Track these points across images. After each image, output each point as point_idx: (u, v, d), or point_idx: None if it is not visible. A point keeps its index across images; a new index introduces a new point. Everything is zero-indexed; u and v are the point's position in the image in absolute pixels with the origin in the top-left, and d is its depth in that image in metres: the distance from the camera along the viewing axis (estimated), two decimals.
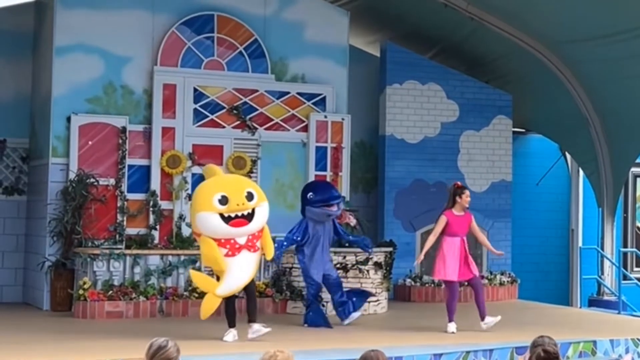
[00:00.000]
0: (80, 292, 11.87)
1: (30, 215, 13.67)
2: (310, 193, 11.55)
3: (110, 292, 11.96)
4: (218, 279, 10.16)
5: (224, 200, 9.96)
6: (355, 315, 11.58)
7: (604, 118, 15.83)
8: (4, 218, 13.73)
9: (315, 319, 11.45)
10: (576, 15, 13.65)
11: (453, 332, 11.02)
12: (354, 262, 12.74)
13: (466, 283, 11.82)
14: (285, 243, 11.48)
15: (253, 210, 10.11)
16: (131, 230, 12.87)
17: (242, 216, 10.02)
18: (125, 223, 12.82)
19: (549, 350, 5.87)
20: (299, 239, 11.47)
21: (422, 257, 11.37)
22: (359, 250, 12.58)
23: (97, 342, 9.83)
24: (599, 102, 15.64)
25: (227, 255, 9.98)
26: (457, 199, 11.23)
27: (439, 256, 11.19)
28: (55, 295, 12.45)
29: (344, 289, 11.79)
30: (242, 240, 10.06)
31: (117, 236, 12.71)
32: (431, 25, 16.08)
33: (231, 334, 10.13)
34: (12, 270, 13.70)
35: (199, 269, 11.52)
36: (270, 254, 10.57)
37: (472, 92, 15.75)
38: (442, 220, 11.17)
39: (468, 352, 9.62)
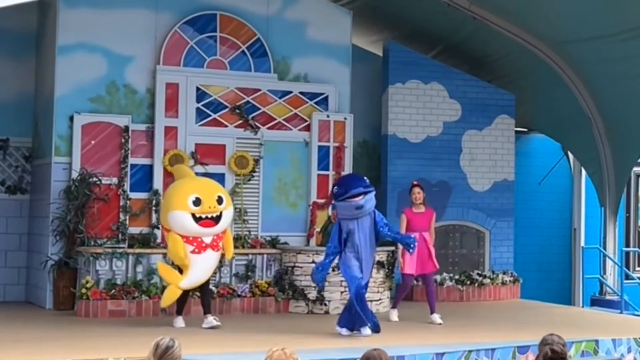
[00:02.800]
0: (83, 291, 11.89)
1: (33, 214, 13.68)
2: (335, 187, 11.02)
3: (113, 291, 11.98)
4: (180, 271, 11.04)
5: (197, 202, 10.91)
6: (362, 332, 10.64)
7: (606, 117, 15.83)
8: (7, 217, 13.74)
9: (350, 321, 10.61)
10: (579, 15, 13.65)
11: (396, 320, 11.86)
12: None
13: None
14: (327, 261, 10.74)
15: (221, 213, 11.02)
16: (134, 229, 12.88)
17: (211, 218, 10.95)
18: (127, 222, 12.83)
19: (557, 350, 5.88)
20: (337, 248, 10.74)
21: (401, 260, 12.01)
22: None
23: (99, 340, 9.84)
24: (602, 102, 15.64)
25: (193, 252, 10.92)
26: (410, 196, 12.22)
27: (401, 251, 11.95)
28: (58, 294, 12.46)
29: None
30: (207, 240, 10.98)
31: (120, 235, 12.72)
32: (434, 25, 16.08)
33: (180, 321, 11.13)
34: (15, 269, 13.72)
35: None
36: (230, 253, 11.46)
37: (475, 92, 15.75)
38: (403, 219, 12.13)
39: (470, 351, 9.62)
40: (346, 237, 10.73)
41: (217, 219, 10.99)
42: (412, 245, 11.28)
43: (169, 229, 11.10)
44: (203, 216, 10.89)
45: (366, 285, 10.89)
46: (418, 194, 12.21)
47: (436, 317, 11.88)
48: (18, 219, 13.79)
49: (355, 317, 10.56)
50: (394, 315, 12.06)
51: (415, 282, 14.66)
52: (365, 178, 11.16)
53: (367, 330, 10.56)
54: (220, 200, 11.08)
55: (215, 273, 12.57)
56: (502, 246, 15.71)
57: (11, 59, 13.78)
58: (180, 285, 10.93)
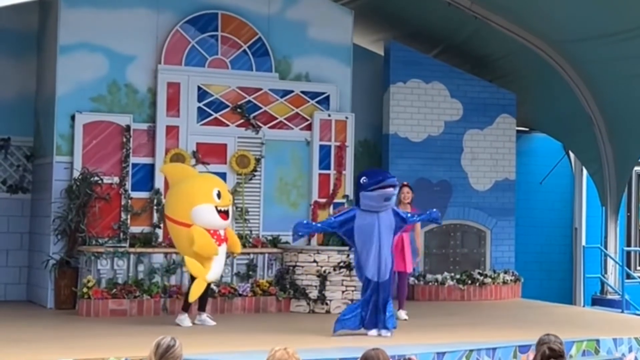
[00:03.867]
0: (84, 290, 11.89)
1: (34, 213, 13.69)
2: (364, 177, 10.53)
3: (114, 290, 11.99)
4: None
5: (219, 195, 11.15)
6: (383, 332, 10.49)
7: (607, 117, 15.83)
8: (8, 216, 13.75)
9: (347, 323, 10.47)
10: (581, 15, 13.65)
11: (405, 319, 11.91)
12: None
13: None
14: (318, 226, 10.97)
15: (229, 207, 11.37)
16: (135, 229, 12.88)
17: (225, 211, 11.20)
18: (129, 221, 12.83)
19: (554, 348, 5.90)
20: (335, 224, 10.59)
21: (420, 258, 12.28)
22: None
23: (101, 340, 9.85)
24: (603, 101, 15.64)
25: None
26: (399, 196, 12.04)
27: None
28: (60, 293, 12.47)
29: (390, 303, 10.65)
30: (222, 233, 11.23)
31: (121, 234, 12.72)
32: (435, 24, 16.08)
33: (188, 320, 11.19)
34: (16, 268, 13.72)
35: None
36: (239, 247, 11.75)
37: (476, 91, 15.75)
38: None
39: (471, 351, 9.62)
40: (357, 231, 10.40)
41: (227, 213, 11.27)
42: (438, 220, 11.26)
43: (190, 224, 11.03)
44: (222, 209, 11.14)
45: (389, 283, 10.53)
46: (407, 193, 12.32)
47: (402, 313, 12.04)
48: (19, 218, 13.80)
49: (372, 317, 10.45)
50: (402, 314, 12.07)
51: (416, 281, 14.73)
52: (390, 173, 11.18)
53: (372, 332, 10.48)
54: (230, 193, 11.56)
55: None
56: (503, 245, 15.71)
57: (12, 59, 13.78)
58: (207, 278, 11.04)
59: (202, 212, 11.06)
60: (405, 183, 12.59)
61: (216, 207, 11.08)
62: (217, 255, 11.08)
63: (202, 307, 11.45)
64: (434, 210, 11.09)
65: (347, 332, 10.41)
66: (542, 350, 5.89)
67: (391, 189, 10.37)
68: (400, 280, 12.30)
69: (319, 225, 11.09)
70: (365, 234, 10.39)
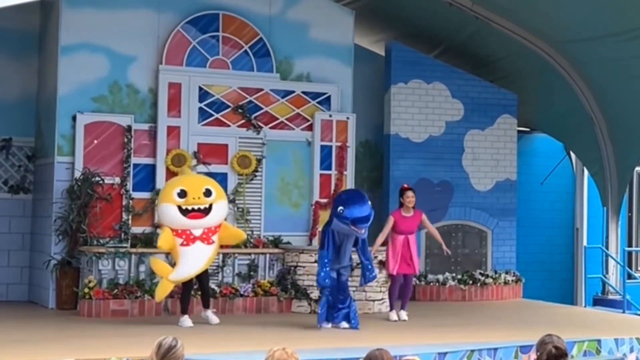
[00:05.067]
0: (86, 290, 11.90)
1: (35, 213, 13.70)
2: (341, 207, 10.94)
3: (116, 290, 11.99)
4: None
5: (182, 194, 11.14)
6: (343, 324, 11.29)
7: (608, 117, 15.83)
8: (10, 217, 13.75)
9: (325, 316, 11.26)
10: (581, 15, 13.65)
11: (396, 320, 12.03)
12: (359, 261, 12.71)
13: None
14: (327, 269, 11.11)
15: (210, 205, 11.19)
16: (136, 229, 12.88)
17: (199, 210, 11.12)
18: (130, 222, 12.84)
19: (560, 346, 5.92)
20: (331, 256, 11.17)
21: (373, 249, 12.00)
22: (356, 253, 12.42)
23: (102, 340, 9.85)
24: (604, 102, 15.64)
25: (182, 245, 11.11)
26: (401, 199, 12.28)
27: (387, 252, 12.26)
28: (61, 293, 12.48)
29: (351, 300, 11.55)
30: (197, 232, 11.13)
31: (123, 235, 12.73)
32: (436, 25, 16.08)
33: (188, 320, 11.15)
34: (17, 268, 13.74)
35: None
36: (240, 236, 11.89)
37: (477, 91, 15.75)
38: (390, 221, 12.31)
39: (473, 351, 9.63)
40: (335, 247, 11.23)
41: (206, 211, 11.17)
42: (368, 279, 11.61)
43: (162, 224, 11.48)
44: (190, 208, 11.09)
45: (346, 285, 11.45)
46: (412, 197, 12.24)
47: (403, 314, 12.17)
48: (21, 219, 13.80)
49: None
50: (394, 315, 12.18)
51: (417, 281, 14.72)
52: (369, 202, 11.18)
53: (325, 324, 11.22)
54: (208, 193, 11.26)
55: (217, 272, 12.62)
56: (505, 246, 15.71)
57: (14, 59, 13.80)
58: (170, 278, 11.12)
59: (162, 211, 11.32)
60: (407, 186, 12.55)
61: (179, 207, 11.07)
62: (164, 251, 11.34)
63: (205, 304, 11.50)
64: (374, 273, 11.64)
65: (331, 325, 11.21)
66: (548, 349, 5.90)
67: (362, 232, 11.10)
68: (406, 281, 12.32)
69: (327, 269, 11.12)
70: (335, 251, 11.25)
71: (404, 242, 12.10)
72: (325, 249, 11.18)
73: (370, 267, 11.48)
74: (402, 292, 12.32)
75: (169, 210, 11.18)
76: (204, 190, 11.25)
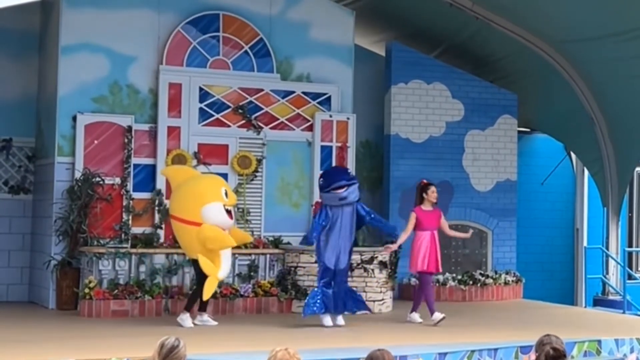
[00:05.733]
0: (86, 290, 11.90)
1: (36, 214, 13.70)
2: (321, 179, 11.64)
3: (116, 290, 12.00)
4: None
5: (226, 195, 11.32)
6: (339, 319, 11.39)
7: (609, 117, 15.83)
8: (10, 217, 13.75)
9: (313, 308, 11.26)
10: (582, 15, 13.65)
11: (420, 322, 11.74)
12: (359, 261, 12.75)
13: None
14: (316, 232, 11.37)
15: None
16: (137, 229, 12.89)
17: (229, 211, 11.37)
18: (130, 222, 12.83)
19: (558, 347, 5.92)
20: (324, 223, 11.33)
21: (393, 247, 12.14)
22: (363, 249, 12.57)
23: (102, 340, 9.85)
24: (604, 102, 15.64)
25: None
26: (424, 195, 12.01)
27: (413, 250, 11.92)
28: (61, 294, 12.48)
29: (348, 288, 11.67)
30: (227, 232, 11.30)
31: (123, 235, 12.73)
32: (436, 25, 16.09)
33: (189, 320, 11.19)
34: (18, 269, 13.73)
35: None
36: (249, 236, 12.32)
37: (477, 92, 15.76)
38: (413, 217, 11.97)
39: (473, 351, 9.63)
40: (330, 222, 11.34)
41: (230, 212, 11.42)
42: (395, 234, 12.00)
43: (200, 223, 11.12)
44: (228, 208, 11.31)
45: (345, 271, 11.53)
46: (434, 192, 12.04)
47: (415, 316, 11.88)
48: (21, 219, 13.80)
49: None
50: (417, 317, 11.88)
51: (417, 282, 14.71)
52: (349, 170, 11.89)
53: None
54: None
55: None
56: (505, 246, 15.72)
57: (14, 59, 13.80)
58: (219, 276, 11.22)
59: (212, 210, 11.17)
60: (427, 182, 12.26)
61: (224, 206, 11.22)
62: (233, 245, 11.30)
63: (203, 308, 11.47)
64: (393, 225, 12.23)
65: (315, 316, 11.27)
66: (546, 351, 5.90)
67: (341, 191, 11.30)
68: (426, 281, 11.98)
69: (318, 230, 11.36)
70: (331, 226, 11.36)
71: (430, 238, 11.82)
72: (317, 216, 11.52)
73: (385, 224, 12.06)
74: (424, 293, 11.91)
75: (219, 210, 11.21)
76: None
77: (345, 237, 11.39)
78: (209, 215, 11.14)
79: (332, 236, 11.33)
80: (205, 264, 11.12)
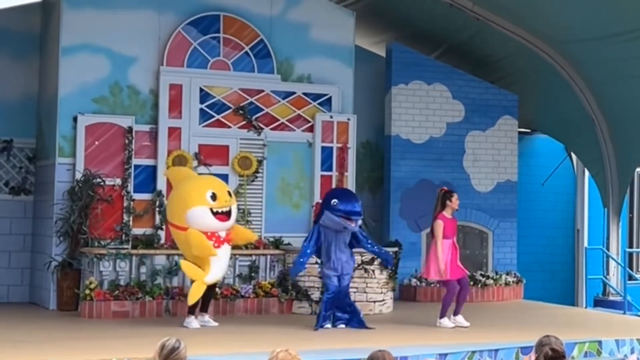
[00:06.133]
0: (87, 291, 11.90)
1: (36, 215, 13.70)
2: (335, 200, 11.23)
3: (117, 291, 11.99)
4: None
5: (214, 197, 11.09)
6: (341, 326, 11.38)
7: (609, 118, 15.83)
8: (11, 218, 13.76)
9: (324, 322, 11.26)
10: (582, 16, 13.65)
11: (453, 327, 11.50)
12: (360, 262, 12.75)
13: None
14: (303, 259, 11.37)
15: (230, 207, 11.22)
16: (137, 230, 12.89)
17: (224, 212, 11.11)
18: (131, 223, 12.84)
19: (557, 349, 5.92)
20: (313, 249, 11.32)
21: (443, 266, 11.46)
22: (364, 250, 12.58)
23: (103, 341, 9.85)
24: (605, 102, 15.64)
25: (214, 247, 11.04)
26: (448, 202, 11.68)
27: (432, 258, 11.59)
28: (62, 295, 12.48)
29: (352, 304, 11.57)
30: (222, 234, 11.17)
31: (124, 236, 12.73)
32: (437, 26, 16.09)
33: (195, 322, 11.16)
34: (18, 270, 13.74)
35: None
36: (252, 235, 12.19)
37: (478, 93, 15.76)
38: (440, 225, 11.55)
39: (474, 352, 9.63)
40: (322, 245, 11.32)
41: (228, 214, 11.20)
42: (390, 262, 12.19)
43: (187, 227, 11.07)
44: (219, 211, 11.06)
45: (347, 287, 11.50)
46: (457, 199, 11.74)
47: (460, 320, 11.66)
48: (22, 220, 13.81)
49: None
50: (448, 322, 11.63)
51: (418, 282, 14.72)
52: (359, 200, 11.50)
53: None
54: (229, 195, 11.34)
55: None
56: (505, 247, 15.72)
57: (15, 60, 13.80)
58: (206, 281, 11.04)
59: (195, 214, 11.03)
60: (447, 188, 12.01)
61: (211, 209, 11.02)
62: (215, 256, 11.02)
63: (204, 309, 11.46)
64: (391, 253, 12.38)
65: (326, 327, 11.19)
66: (544, 352, 5.90)
67: (353, 224, 11.22)
68: (463, 285, 11.70)
69: (303, 260, 11.40)
70: (326, 251, 11.32)
71: (452, 246, 11.54)
72: (307, 240, 11.39)
73: (381, 251, 11.93)
74: (460, 296, 11.71)
75: (203, 213, 11.00)
76: (227, 192, 11.32)
77: (341, 259, 11.31)
78: (193, 220, 11.03)
79: (332, 253, 11.28)
80: (188, 269, 11.16)
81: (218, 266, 11.14)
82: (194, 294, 11.03)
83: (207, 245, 10.95)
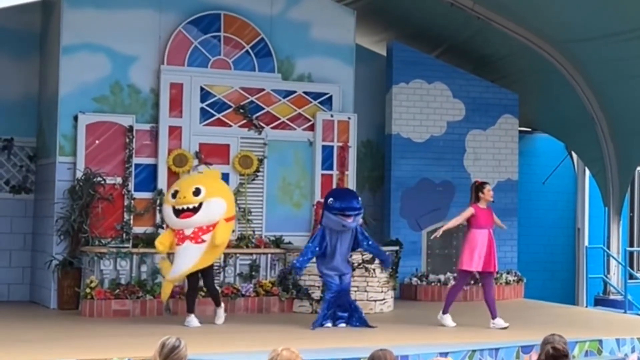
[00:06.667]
0: (87, 290, 11.91)
1: (37, 214, 13.70)
2: (331, 199, 11.33)
3: (117, 290, 12.00)
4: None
5: (175, 194, 11.23)
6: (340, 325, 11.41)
7: (610, 117, 15.83)
8: (12, 217, 13.76)
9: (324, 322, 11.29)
10: (582, 15, 13.65)
11: (454, 326, 11.47)
12: (360, 261, 12.75)
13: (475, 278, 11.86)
14: (308, 257, 11.38)
15: (200, 204, 11.05)
16: (138, 229, 12.89)
17: (189, 209, 11.05)
18: (132, 222, 12.84)
19: (559, 347, 5.93)
20: (317, 249, 11.33)
21: (440, 232, 11.72)
22: (363, 249, 12.55)
23: (104, 340, 9.86)
24: (605, 101, 15.64)
25: (177, 244, 11.18)
26: (480, 194, 11.69)
27: (467, 248, 11.56)
28: (63, 293, 12.49)
29: (353, 303, 11.60)
30: (188, 232, 11.09)
31: (124, 235, 12.74)
32: (437, 24, 16.09)
33: (194, 320, 11.18)
34: (19, 269, 13.74)
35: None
36: (215, 239, 11.21)
37: (479, 91, 15.76)
38: (469, 211, 11.64)
39: (474, 351, 9.63)
40: (327, 246, 11.32)
41: (195, 210, 11.04)
42: (388, 263, 12.18)
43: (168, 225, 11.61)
44: (181, 208, 11.09)
45: (348, 285, 11.56)
46: (490, 191, 11.76)
47: (500, 321, 11.49)
48: (22, 219, 13.81)
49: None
50: (448, 319, 11.60)
51: (418, 281, 14.72)
52: (359, 197, 11.52)
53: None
54: (197, 192, 11.11)
55: (219, 272, 12.62)
56: (506, 246, 15.70)
57: (15, 59, 13.81)
58: (168, 277, 11.28)
59: (163, 212, 11.65)
60: (481, 180, 12.07)
61: (173, 207, 11.15)
62: (159, 251, 11.48)
63: (216, 303, 11.54)
64: (389, 254, 12.44)
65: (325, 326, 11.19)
66: (546, 350, 5.92)
67: (350, 220, 11.18)
68: (485, 282, 11.66)
69: (306, 258, 11.40)
70: (330, 249, 11.33)
71: (487, 237, 11.49)
72: (311, 241, 11.48)
73: (381, 252, 11.93)
74: (486, 296, 11.60)
75: (166, 211, 11.35)
76: (193, 190, 11.12)
77: (343, 264, 11.42)
78: (164, 217, 11.68)
79: (335, 259, 11.31)
80: (160, 265, 11.69)
81: (178, 262, 11.16)
82: (162, 291, 11.47)
83: (157, 243, 11.35)
